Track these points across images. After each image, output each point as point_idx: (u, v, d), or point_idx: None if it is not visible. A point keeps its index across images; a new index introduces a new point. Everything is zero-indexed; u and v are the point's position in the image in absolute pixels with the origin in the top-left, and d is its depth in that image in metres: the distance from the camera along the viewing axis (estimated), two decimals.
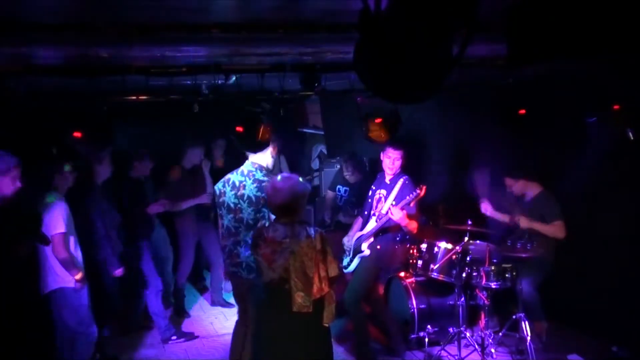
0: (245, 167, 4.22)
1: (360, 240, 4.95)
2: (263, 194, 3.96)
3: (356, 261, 4.96)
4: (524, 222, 5.06)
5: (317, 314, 3.28)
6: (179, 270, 6.40)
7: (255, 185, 4.07)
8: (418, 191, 4.60)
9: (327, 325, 3.35)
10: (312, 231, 3.32)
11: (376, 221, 4.84)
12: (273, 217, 3.93)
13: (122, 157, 5.57)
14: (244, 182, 4.12)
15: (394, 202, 4.75)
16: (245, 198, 4.07)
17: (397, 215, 4.63)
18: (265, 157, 4.25)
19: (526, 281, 4.93)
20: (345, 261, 5.05)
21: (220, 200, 4.21)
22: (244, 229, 4.06)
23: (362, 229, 5.03)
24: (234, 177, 4.20)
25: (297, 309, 3.20)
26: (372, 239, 4.86)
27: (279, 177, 3.45)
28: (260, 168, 4.18)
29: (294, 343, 3.28)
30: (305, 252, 3.22)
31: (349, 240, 5.11)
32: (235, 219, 4.10)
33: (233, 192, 4.13)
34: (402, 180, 4.84)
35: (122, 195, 5.53)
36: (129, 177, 5.69)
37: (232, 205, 4.12)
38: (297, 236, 3.26)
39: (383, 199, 4.90)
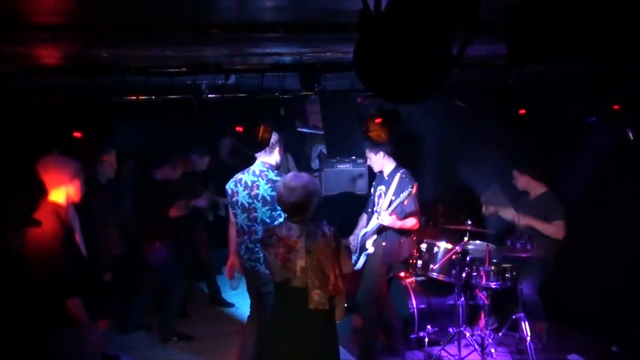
0: (257, 167, 4.31)
1: (365, 237, 4.96)
2: None
3: (363, 258, 4.96)
4: (523, 220, 5.06)
5: (330, 310, 3.29)
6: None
7: (269, 185, 4.19)
8: (410, 189, 4.62)
9: (339, 321, 3.37)
10: (326, 229, 3.33)
11: (377, 218, 4.86)
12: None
13: (144, 159, 5.63)
14: (257, 182, 4.23)
15: (393, 197, 4.77)
16: (259, 198, 4.19)
17: (387, 220, 4.68)
18: (274, 157, 4.35)
19: (526, 283, 4.93)
20: (353, 259, 5.05)
21: (234, 199, 4.32)
22: (260, 227, 4.19)
23: (366, 225, 5.05)
24: (245, 177, 4.29)
25: (315, 306, 3.21)
26: (375, 236, 4.86)
27: (289, 176, 3.43)
28: (272, 167, 4.31)
29: (308, 340, 3.28)
30: (322, 250, 3.23)
31: (354, 239, 5.11)
32: (249, 218, 4.24)
33: (246, 192, 4.24)
34: (399, 174, 4.86)
35: (148, 196, 5.56)
36: (153, 179, 5.69)
37: (246, 204, 4.25)
38: (312, 235, 3.26)
39: (383, 194, 4.91)
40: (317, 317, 3.25)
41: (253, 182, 4.24)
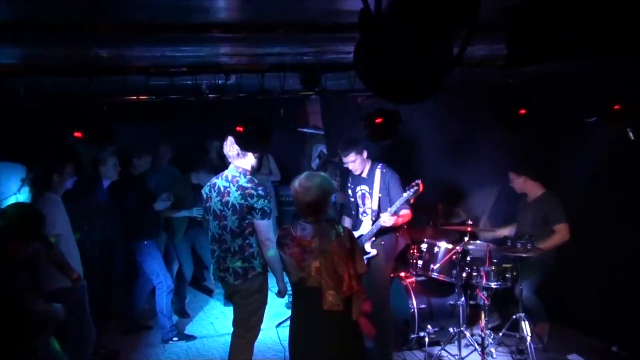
0: (230, 171, 4.08)
1: (361, 240, 4.92)
2: (247, 203, 3.89)
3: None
4: (541, 245, 4.85)
5: (347, 309, 3.25)
6: (181, 272, 6.40)
7: (239, 192, 3.93)
8: (416, 187, 4.59)
9: (355, 319, 3.33)
10: (341, 229, 3.30)
11: (371, 219, 4.82)
12: (260, 224, 3.90)
13: (123, 155, 5.60)
14: (228, 189, 3.99)
15: (380, 195, 4.75)
16: (229, 206, 3.95)
17: (390, 221, 4.65)
18: (247, 161, 4.08)
19: (526, 284, 4.92)
20: None
21: (207, 205, 4.12)
22: (229, 237, 3.97)
23: (355, 229, 4.97)
24: (219, 182, 4.08)
25: (329, 307, 3.17)
26: (374, 238, 4.82)
27: (303, 176, 3.33)
28: (245, 173, 4.03)
29: (326, 340, 3.27)
30: (335, 251, 3.20)
31: None
32: (220, 226, 4.01)
33: (218, 198, 4.02)
34: (378, 170, 4.81)
35: (129, 193, 5.54)
36: (133, 175, 5.69)
37: (217, 211, 4.03)
38: (326, 235, 3.23)
39: (367, 195, 4.87)
40: (333, 317, 3.22)
41: (225, 188, 4.00)
